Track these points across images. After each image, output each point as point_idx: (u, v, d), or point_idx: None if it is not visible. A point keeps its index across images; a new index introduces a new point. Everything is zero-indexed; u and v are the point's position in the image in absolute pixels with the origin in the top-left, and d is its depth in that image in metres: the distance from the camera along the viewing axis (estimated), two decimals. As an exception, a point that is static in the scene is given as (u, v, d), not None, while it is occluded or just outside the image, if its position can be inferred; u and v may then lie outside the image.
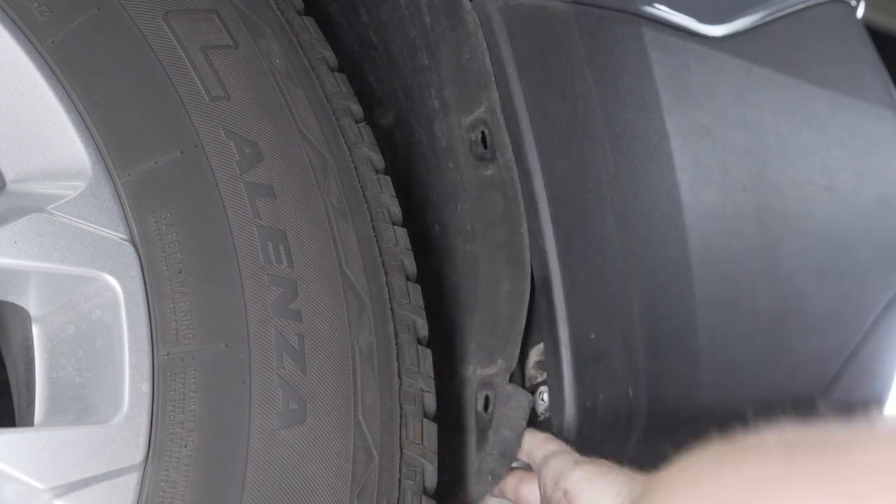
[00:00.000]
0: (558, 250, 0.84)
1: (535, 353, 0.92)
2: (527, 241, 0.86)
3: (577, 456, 0.80)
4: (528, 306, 0.87)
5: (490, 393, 0.88)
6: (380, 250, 0.78)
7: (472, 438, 0.90)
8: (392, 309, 0.77)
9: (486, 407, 0.88)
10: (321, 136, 0.78)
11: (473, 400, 0.90)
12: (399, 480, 0.74)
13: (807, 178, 1.10)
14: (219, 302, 0.69)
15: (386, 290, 0.77)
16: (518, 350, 0.87)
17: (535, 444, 0.85)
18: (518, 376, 0.90)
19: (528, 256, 0.86)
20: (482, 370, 0.90)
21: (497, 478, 0.88)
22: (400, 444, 0.74)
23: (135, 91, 0.72)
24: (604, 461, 0.78)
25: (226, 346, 0.69)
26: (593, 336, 0.86)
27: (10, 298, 0.71)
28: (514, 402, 0.86)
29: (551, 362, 0.86)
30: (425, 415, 0.78)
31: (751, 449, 0.57)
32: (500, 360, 0.88)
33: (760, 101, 1.07)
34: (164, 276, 0.69)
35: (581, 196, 0.87)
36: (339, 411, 0.71)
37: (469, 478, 0.91)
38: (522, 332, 0.86)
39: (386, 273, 0.78)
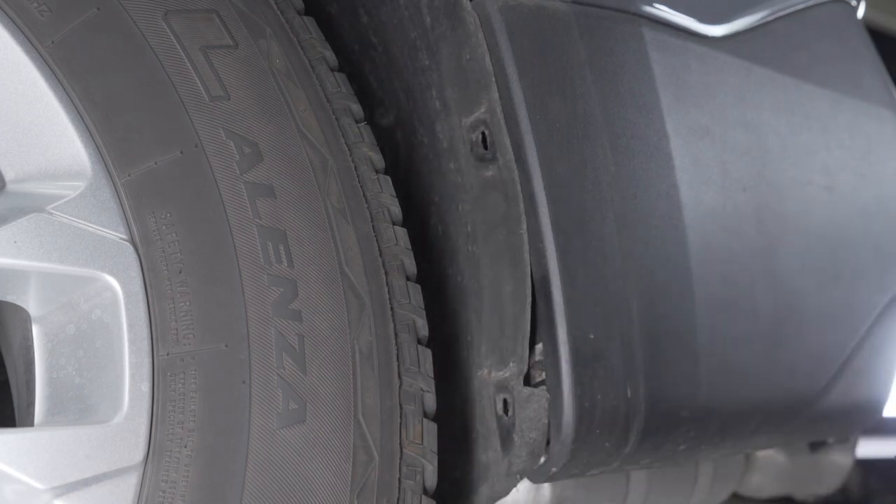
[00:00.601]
0: (557, 250, 0.84)
1: (534, 353, 0.92)
2: (526, 241, 0.86)
3: None
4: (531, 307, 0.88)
5: (508, 396, 0.89)
6: (380, 250, 0.78)
7: (494, 441, 0.91)
8: (392, 309, 0.77)
9: (505, 410, 0.89)
10: (321, 135, 0.78)
11: (492, 403, 0.91)
12: (399, 480, 0.74)
13: (807, 178, 1.10)
14: (219, 302, 0.69)
15: (386, 289, 0.77)
16: (527, 351, 0.87)
17: None
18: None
19: (527, 257, 0.86)
20: (496, 373, 0.90)
21: (528, 475, 0.89)
22: (400, 443, 0.74)
23: (135, 91, 0.72)
24: None
25: (226, 346, 0.69)
26: (592, 336, 0.86)
27: (10, 298, 0.71)
28: (533, 404, 0.87)
29: (550, 362, 0.86)
30: (425, 415, 0.78)
31: None
32: (511, 363, 0.88)
33: (760, 101, 1.07)
34: (164, 276, 0.69)
35: (581, 196, 0.87)
36: (339, 411, 0.71)
37: (493, 477, 0.92)
38: (528, 333, 0.87)
39: (386, 273, 0.78)
